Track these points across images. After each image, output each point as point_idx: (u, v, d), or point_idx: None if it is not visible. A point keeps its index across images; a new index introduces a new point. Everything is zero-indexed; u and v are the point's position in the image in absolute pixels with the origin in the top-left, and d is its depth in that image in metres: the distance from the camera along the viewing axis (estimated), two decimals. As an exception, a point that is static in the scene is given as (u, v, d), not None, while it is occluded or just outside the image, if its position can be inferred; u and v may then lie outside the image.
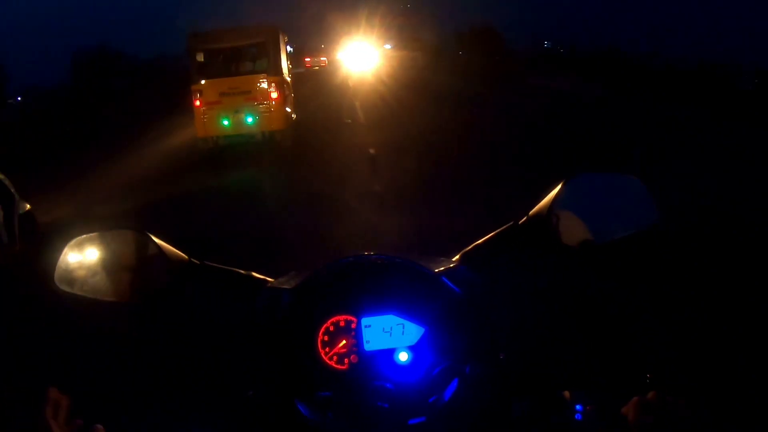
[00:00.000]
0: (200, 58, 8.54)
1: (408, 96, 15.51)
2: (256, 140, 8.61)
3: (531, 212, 0.78)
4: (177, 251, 0.79)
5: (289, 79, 9.44)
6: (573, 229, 0.76)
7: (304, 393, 0.72)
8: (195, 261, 0.80)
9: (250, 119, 8.40)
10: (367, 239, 4.23)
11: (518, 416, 0.71)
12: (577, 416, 0.68)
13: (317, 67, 39.10)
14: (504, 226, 0.81)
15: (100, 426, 0.65)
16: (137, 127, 12.59)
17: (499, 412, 0.72)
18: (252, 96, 8.32)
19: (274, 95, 8.28)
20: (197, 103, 8.50)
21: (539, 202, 0.78)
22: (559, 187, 0.76)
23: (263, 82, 8.27)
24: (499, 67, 23.13)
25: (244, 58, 8.66)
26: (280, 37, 8.57)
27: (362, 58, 33.19)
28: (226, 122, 8.47)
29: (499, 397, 0.72)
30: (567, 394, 0.70)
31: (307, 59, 41.11)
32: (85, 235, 0.78)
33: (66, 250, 0.77)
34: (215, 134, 8.63)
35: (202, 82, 8.39)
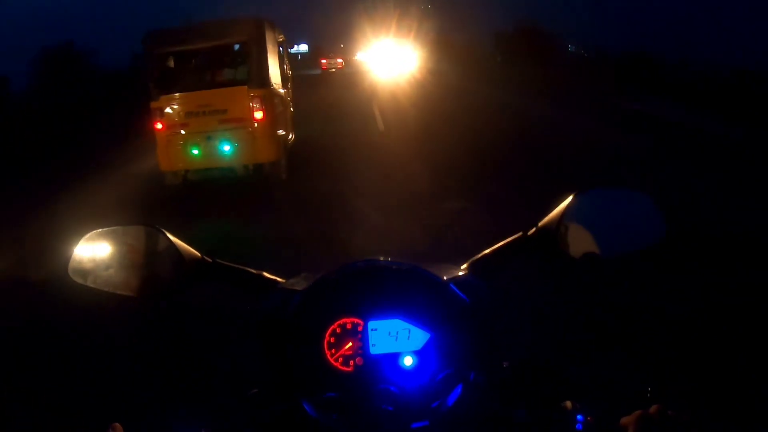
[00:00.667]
0: (160, 65, 6.29)
1: (469, 129, 9.36)
2: (238, 175, 6.35)
3: (540, 223, 0.80)
4: (190, 248, 0.79)
5: (283, 92, 7.10)
6: (581, 242, 0.77)
7: (309, 393, 0.72)
8: (207, 259, 0.80)
9: (226, 148, 6.11)
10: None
11: (519, 425, 0.70)
12: (578, 426, 0.67)
13: (333, 69, 36.88)
14: (513, 237, 0.82)
15: (118, 424, 0.64)
16: (96, 150, 9.92)
17: (501, 420, 0.71)
18: (228, 116, 6.03)
19: (259, 115, 5.98)
20: (158, 126, 6.25)
21: (549, 213, 0.78)
22: (569, 199, 0.77)
23: (243, 96, 5.96)
24: (563, 79, 18.19)
25: (218, 65, 6.36)
26: (269, 34, 6.25)
27: (388, 61, 28.01)
28: (195, 151, 6.20)
29: (501, 406, 0.72)
30: (569, 404, 0.69)
31: (324, 60, 38.83)
32: (100, 230, 0.79)
33: (81, 243, 0.78)
34: (183, 167, 6.38)
35: (165, 97, 6.17)
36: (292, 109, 8.13)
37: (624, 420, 0.64)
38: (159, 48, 6.25)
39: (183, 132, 6.21)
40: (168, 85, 6.25)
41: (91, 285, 0.78)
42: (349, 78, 26.56)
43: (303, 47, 69.38)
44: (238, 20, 6.19)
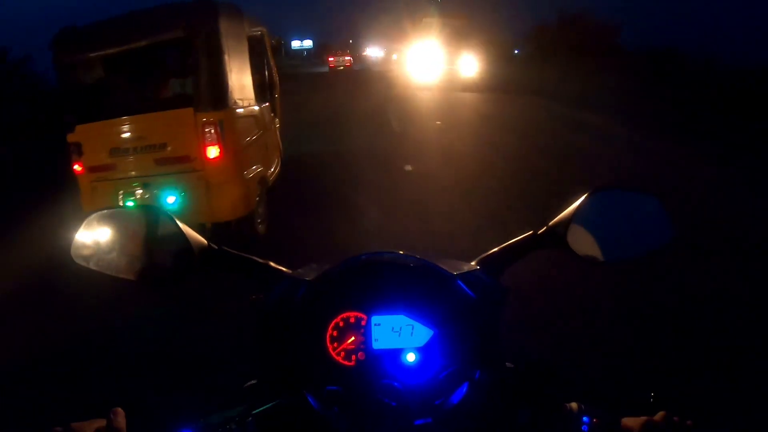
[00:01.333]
0: (77, 79, 4.30)
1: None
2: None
3: (550, 223, 0.80)
4: (196, 234, 0.76)
5: (259, 108, 4.97)
6: (590, 242, 0.77)
7: (310, 385, 0.71)
8: (213, 246, 0.78)
9: (170, 200, 4.09)
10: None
11: (524, 425, 0.70)
12: (584, 428, 0.67)
13: (342, 67, 34.79)
14: (523, 235, 0.82)
15: (119, 409, 0.64)
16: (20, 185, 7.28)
17: (506, 420, 0.71)
18: (169, 154, 4.00)
19: (213, 152, 3.93)
20: (77, 167, 4.30)
21: (560, 213, 0.78)
22: (580, 200, 0.77)
23: (188, 124, 3.91)
24: (637, 87, 13.79)
25: (156, 76, 4.34)
26: (228, 25, 4.16)
27: (432, 64, 18.31)
28: (130, 204, 4.22)
29: (505, 405, 0.71)
30: (574, 405, 0.69)
31: (331, 58, 36.97)
32: (105, 211, 0.77)
33: (84, 224, 0.75)
34: None
35: (83, 128, 4.18)
36: (278, 125, 6.07)
37: (628, 422, 0.65)
38: (74, 54, 4.25)
39: (110, 177, 4.23)
40: (87, 108, 4.26)
41: (94, 268, 0.75)
42: (360, 81, 19.73)
43: (307, 43, 66.87)
44: (179, 6, 4.11)
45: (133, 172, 4.17)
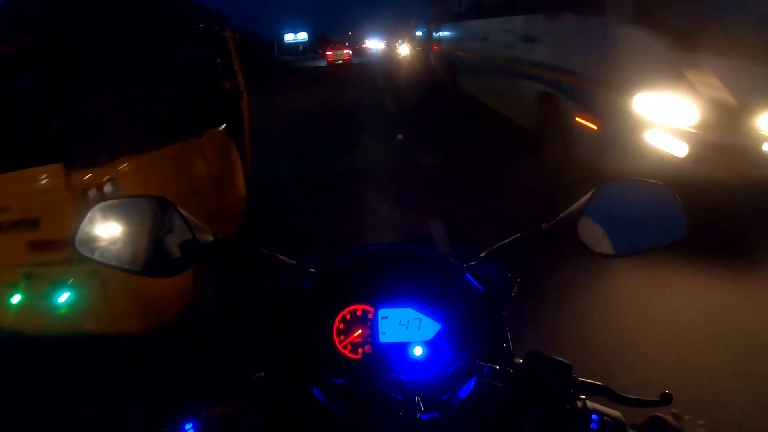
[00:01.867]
0: None
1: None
2: (99, 346, 2.92)
3: (560, 215, 0.79)
4: (202, 225, 0.75)
5: (197, 141, 3.34)
6: (600, 236, 0.75)
7: (317, 379, 0.70)
8: (219, 237, 0.77)
9: (62, 298, 2.66)
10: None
11: (532, 422, 0.67)
12: (593, 426, 0.65)
13: (340, 61, 33.40)
14: (531, 229, 0.81)
15: (134, 404, 0.70)
16: None
17: (514, 416, 0.68)
18: (45, 235, 2.55)
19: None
20: None
21: (570, 207, 0.76)
22: (589, 193, 0.75)
23: (59, 190, 2.45)
24: None
25: (14, 113, 2.88)
26: (116, 19, 2.64)
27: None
28: (16, 300, 2.82)
29: (514, 401, 0.68)
30: (584, 402, 0.67)
31: (329, 52, 35.62)
32: (109, 201, 0.75)
33: (90, 214, 0.73)
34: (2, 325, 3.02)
35: None
36: (247, 149, 4.53)
37: (639, 422, 0.64)
38: None
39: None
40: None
41: (98, 259, 0.73)
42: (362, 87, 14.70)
43: (302, 36, 63.63)
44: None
45: (7, 259, 2.76)
